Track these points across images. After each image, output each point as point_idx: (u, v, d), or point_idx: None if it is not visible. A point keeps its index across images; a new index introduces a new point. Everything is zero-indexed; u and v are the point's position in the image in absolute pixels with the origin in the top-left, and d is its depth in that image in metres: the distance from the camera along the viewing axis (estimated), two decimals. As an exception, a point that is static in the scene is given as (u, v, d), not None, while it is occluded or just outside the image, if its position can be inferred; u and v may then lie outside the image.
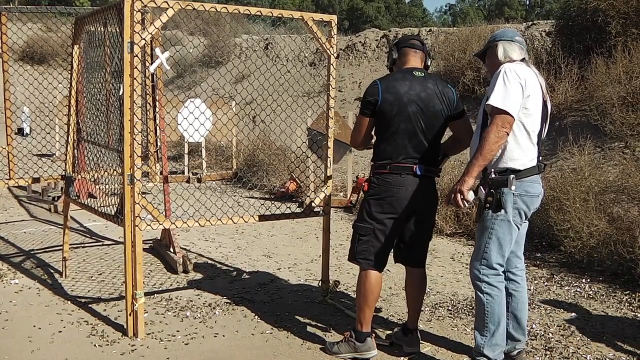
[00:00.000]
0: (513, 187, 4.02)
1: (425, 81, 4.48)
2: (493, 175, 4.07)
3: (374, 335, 4.64)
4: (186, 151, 12.72)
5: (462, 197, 4.07)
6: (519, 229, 4.27)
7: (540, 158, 4.28)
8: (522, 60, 4.23)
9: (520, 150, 4.09)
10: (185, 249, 7.11)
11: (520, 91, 4.01)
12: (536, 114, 4.12)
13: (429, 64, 4.70)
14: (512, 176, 4.02)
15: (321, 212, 5.68)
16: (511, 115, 3.97)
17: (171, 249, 6.81)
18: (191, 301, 5.70)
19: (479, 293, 4.26)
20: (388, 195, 4.42)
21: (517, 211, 4.16)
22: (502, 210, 4.08)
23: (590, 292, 6.13)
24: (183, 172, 12.63)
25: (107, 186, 5.64)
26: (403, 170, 4.40)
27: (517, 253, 4.44)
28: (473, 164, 4.04)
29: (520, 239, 4.43)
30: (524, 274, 4.53)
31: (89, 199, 6.37)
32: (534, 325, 5.24)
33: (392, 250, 4.68)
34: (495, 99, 3.99)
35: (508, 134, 4.01)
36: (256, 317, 5.38)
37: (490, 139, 3.98)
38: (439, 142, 4.57)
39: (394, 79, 4.47)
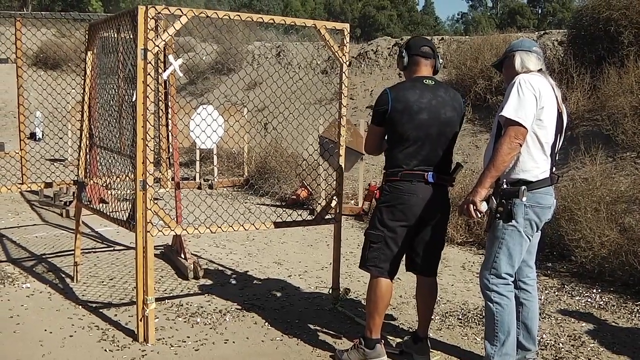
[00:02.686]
0: (524, 199, 4.02)
1: (436, 89, 4.49)
2: (505, 186, 4.08)
3: (383, 342, 4.64)
4: (198, 158, 12.75)
5: (474, 207, 4.07)
6: (529, 239, 4.25)
7: (554, 169, 4.27)
8: (539, 70, 4.22)
9: (533, 161, 4.09)
10: (196, 255, 7.12)
11: (534, 102, 3.99)
12: (550, 125, 4.11)
13: (438, 68, 4.69)
14: (523, 187, 4.02)
15: (332, 220, 5.69)
16: (524, 127, 3.95)
17: (182, 255, 6.82)
18: (202, 307, 5.71)
19: (489, 302, 4.26)
20: (399, 202, 4.42)
21: (528, 222, 4.15)
22: (513, 221, 4.08)
23: (601, 303, 6.11)
24: (195, 179, 12.66)
25: (119, 192, 5.66)
26: (414, 178, 4.40)
27: (528, 262, 4.44)
28: (485, 175, 4.04)
29: (532, 248, 4.42)
30: (535, 284, 4.53)
31: (100, 204, 6.39)
32: (544, 335, 5.23)
33: (404, 259, 4.68)
34: (509, 110, 3.98)
35: (521, 146, 4.00)
36: (266, 323, 5.39)
37: (502, 151, 3.97)
38: (451, 149, 4.57)
39: (403, 88, 4.48)
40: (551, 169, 4.20)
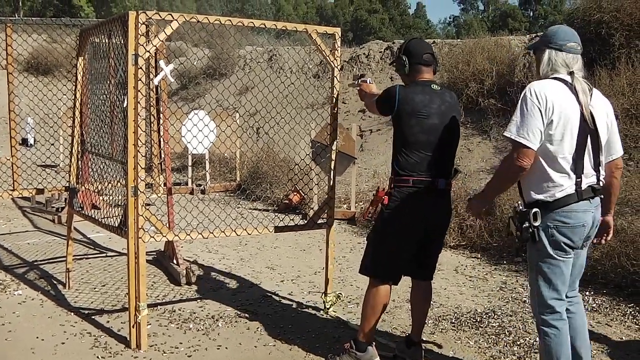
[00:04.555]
0: (536, 223, 3.77)
1: (443, 95, 4.51)
2: (521, 208, 3.86)
3: (374, 344, 4.63)
4: (190, 163, 12.73)
5: (476, 214, 4.16)
6: (565, 259, 3.87)
7: (593, 181, 3.83)
8: (571, 73, 3.88)
9: (548, 181, 3.77)
10: (188, 261, 7.11)
11: (539, 118, 3.66)
12: (567, 138, 3.72)
13: (437, 70, 4.71)
14: (534, 210, 3.76)
15: (325, 225, 5.68)
16: (529, 148, 3.68)
17: (174, 261, 6.81)
18: (194, 313, 5.70)
19: (539, 334, 4.02)
20: (410, 209, 4.40)
21: (555, 243, 3.79)
22: (540, 244, 3.82)
23: (594, 305, 6.11)
24: (187, 184, 12.64)
25: (110, 198, 5.65)
26: (426, 184, 4.38)
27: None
28: (486, 194, 4.05)
29: (572, 268, 3.99)
30: (577, 300, 4.13)
31: (92, 211, 6.37)
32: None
33: None
34: (511, 129, 3.72)
35: (526, 167, 3.71)
36: (259, 329, 5.38)
37: (502, 173, 3.92)
38: (455, 154, 4.60)
39: (413, 92, 4.45)
40: (579, 183, 3.77)
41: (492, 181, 4.03)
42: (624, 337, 5.37)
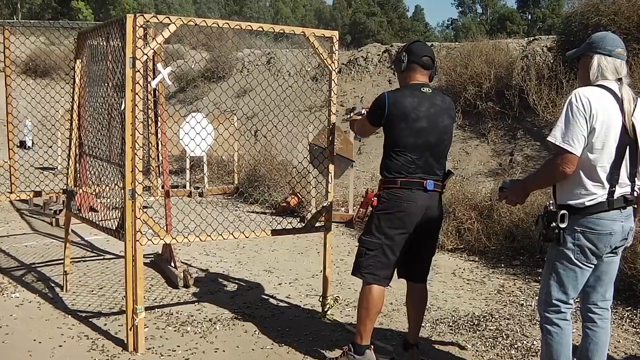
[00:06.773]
0: (563, 224, 3.77)
1: (434, 97, 4.50)
2: (551, 208, 3.86)
3: (372, 347, 4.63)
4: (188, 166, 12.73)
5: (508, 200, 4.11)
6: (586, 266, 3.88)
7: (627, 191, 3.80)
8: (619, 79, 3.79)
9: (581, 188, 3.74)
10: (186, 264, 7.10)
11: (584, 125, 3.64)
12: (607, 147, 3.68)
13: (433, 77, 4.72)
14: (562, 212, 3.76)
15: (322, 228, 5.68)
16: (573, 154, 3.64)
17: (172, 264, 6.80)
18: (192, 316, 5.70)
19: (542, 331, 4.03)
20: (398, 210, 4.42)
21: (580, 248, 3.79)
22: (562, 246, 3.83)
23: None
24: (185, 187, 12.63)
25: (108, 200, 5.65)
26: (414, 186, 4.41)
27: (597, 288, 4.05)
28: (527, 186, 4.03)
29: (603, 275, 4.01)
30: (606, 315, 4.10)
31: (90, 213, 6.37)
32: (534, 342, 5.22)
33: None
34: (556, 134, 3.70)
35: (569, 174, 3.69)
36: (257, 332, 5.38)
37: (545, 175, 3.93)
38: (446, 156, 4.60)
39: (402, 95, 4.47)
40: (612, 193, 3.74)
41: (534, 178, 4.09)
42: (621, 340, 5.37)
